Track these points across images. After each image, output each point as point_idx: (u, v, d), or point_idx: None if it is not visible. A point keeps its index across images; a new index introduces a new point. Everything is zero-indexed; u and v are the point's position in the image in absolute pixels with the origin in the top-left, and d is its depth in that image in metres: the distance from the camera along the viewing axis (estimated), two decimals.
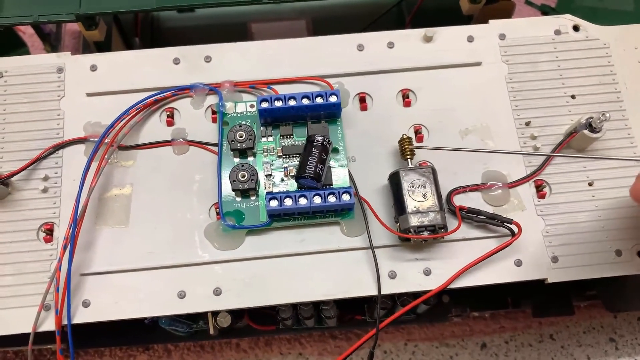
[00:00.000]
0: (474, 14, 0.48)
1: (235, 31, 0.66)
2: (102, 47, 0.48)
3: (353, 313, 0.45)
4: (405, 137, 0.38)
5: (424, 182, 0.36)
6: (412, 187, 0.35)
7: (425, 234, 0.35)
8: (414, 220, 0.35)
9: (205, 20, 0.67)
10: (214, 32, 0.66)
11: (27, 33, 0.66)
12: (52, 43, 0.61)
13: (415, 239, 0.35)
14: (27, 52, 0.60)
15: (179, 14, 0.67)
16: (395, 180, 0.36)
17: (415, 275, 0.36)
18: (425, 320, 0.48)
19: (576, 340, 0.56)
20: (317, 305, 0.41)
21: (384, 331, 0.55)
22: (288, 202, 0.36)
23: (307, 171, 0.36)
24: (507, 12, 0.48)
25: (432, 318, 0.47)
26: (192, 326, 0.44)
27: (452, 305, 0.46)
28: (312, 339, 0.54)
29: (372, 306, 0.44)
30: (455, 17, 0.51)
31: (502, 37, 0.43)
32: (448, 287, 0.36)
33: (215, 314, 0.40)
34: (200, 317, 0.44)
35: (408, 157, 0.37)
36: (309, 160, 0.36)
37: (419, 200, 0.35)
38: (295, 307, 0.41)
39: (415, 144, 0.39)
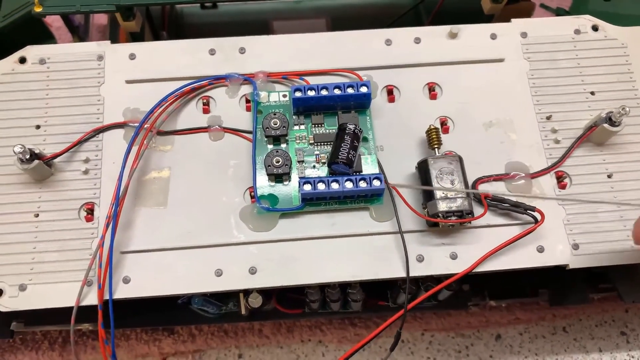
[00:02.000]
0: (495, 13, 0.50)
1: (257, 28, 0.68)
2: (137, 38, 0.50)
3: (376, 299, 0.47)
4: (432, 127, 0.40)
5: (452, 169, 0.37)
6: (440, 174, 0.37)
7: (453, 219, 0.37)
8: (443, 206, 0.36)
9: (227, 17, 0.69)
10: (236, 29, 0.68)
11: (54, 26, 0.67)
12: (80, 35, 0.63)
13: (444, 224, 0.37)
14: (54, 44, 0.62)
15: (202, 10, 0.68)
16: (423, 168, 0.38)
17: (442, 259, 0.38)
18: (446, 307, 0.49)
19: (588, 333, 0.58)
20: (344, 289, 0.43)
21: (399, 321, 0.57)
22: (321, 187, 0.37)
23: (339, 157, 0.37)
24: (527, 12, 0.50)
25: (452, 305, 0.49)
26: (222, 308, 0.45)
27: (471, 294, 0.48)
28: (332, 327, 0.55)
29: (395, 292, 0.46)
30: (472, 19, 0.53)
31: (524, 35, 0.44)
32: (473, 271, 0.38)
33: (247, 294, 0.41)
34: (231, 298, 0.45)
35: (435, 146, 0.39)
36: (342, 147, 0.38)
37: (447, 187, 0.37)
38: (323, 290, 0.43)
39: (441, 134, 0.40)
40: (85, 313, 0.47)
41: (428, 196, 0.37)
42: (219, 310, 0.45)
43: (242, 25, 0.68)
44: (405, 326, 0.57)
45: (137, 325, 0.50)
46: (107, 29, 0.67)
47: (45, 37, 0.62)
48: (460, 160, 0.38)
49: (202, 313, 0.46)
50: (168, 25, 0.64)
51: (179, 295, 0.39)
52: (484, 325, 0.57)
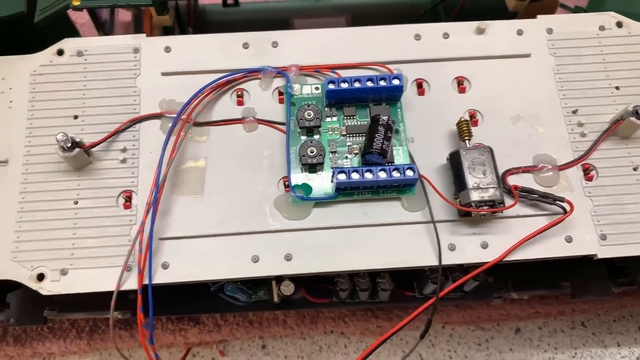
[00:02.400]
0: (519, 10, 0.51)
1: (278, 26, 0.69)
2: (168, 33, 0.51)
3: (403, 289, 0.47)
4: (463, 119, 0.40)
5: (483, 160, 0.38)
6: (473, 164, 0.38)
7: (485, 208, 0.37)
8: (475, 195, 0.37)
9: (248, 14, 0.70)
10: (257, 26, 0.69)
11: (78, 22, 0.69)
12: (105, 32, 0.64)
13: (476, 213, 0.38)
14: None
15: (224, 7, 0.69)
16: (455, 159, 0.39)
17: (473, 247, 0.39)
18: (471, 298, 0.50)
19: (607, 328, 0.58)
20: (373, 279, 0.44)
21: (423, 313, 0.57)
22: (355, 176, 0.38)
23: (374, 147, 0.38)
24: (550, 9, 0.50)
25: (477, 296, 0.49)
26: (252, 296, 0.46)
27: (495, 285, 0.48)
28: (355, 318, 0.56)
29: (422, 283, 0.46)
30: (493, 17, 0.53)
31: (550, 31, 0.45)
32: (503, 260, 0.38)
33: (279, 282, 0.42)
34: (261, 287, 0.46)
35: (466, 138, 0.40)
36: (376, 137, 0.38)
37: (479, 177, 0.38)
38: (352, 279, 0.43)
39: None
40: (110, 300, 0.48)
41: (460, 186, 0.38)
42: (249, 299, 0.46)
43: (263, 23, 0.69)
44: (426, 319, 0.58)
45: (168, 314, 0.51)
46: (131, 26, 0.69)
47: (71, 32, 0.63)
48: (491, 151, 0.39)
49: (233, 301, 0.47)
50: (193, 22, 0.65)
51: (216, 281, 0.39)
52: (504, 319, 0.58)
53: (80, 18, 0.68)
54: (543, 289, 0.49)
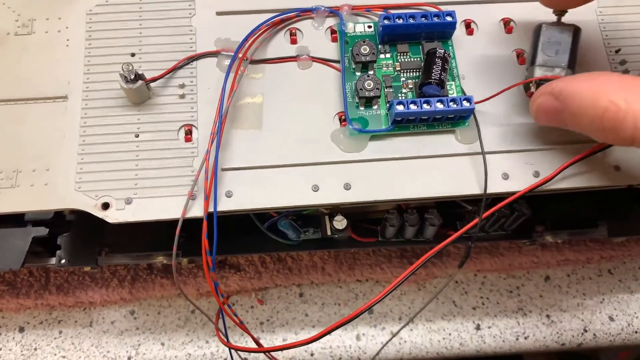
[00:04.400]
0: None
1: None
2: None
3: (446, 229, 0.49)
4: None
5: (560, 39, 0.38)
6: (549, 41, 0.38)
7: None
8: (539, 72, 0.38)
9: None
10: None
11: None
12: None
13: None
14: None
15: None
16: (536, 33, 0.39)
17: (525, 176, 0.40)
18: (513, 237, 0.51)
19: (632, 275, 0.60)
20: (421, 215, 0.45)
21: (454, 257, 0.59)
22: (413, 107, 0.39)
23: (432, 77, 0.39)
24: None
25: (519, 236, 0.51)
26: (300, 235, 0.47)
27: (535, 223, 0.50)
28: (392, 265, 0.57)
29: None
30: None
31: None
32: (551, 186, 0.40)
33: (331, 217, 0.43)
34: (310, 225, 0.47)
35: (559, 13, 0.40)
36: (433, 69, 0.40)
37: (550, 56, 0.38)
38: (401, 215, 0.45)
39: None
40: (158, 243, 0.50)
41: (531, 61, 0.39)
42: (297, 237, 0.47)
43: None
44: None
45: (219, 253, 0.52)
46: None
47: None
48: (576, 31, 0.39)
49: (281, 240, 0.48)
50: None
51: (279, 209, 0.40)
52: (534, 267, 0.60)
53: None
54: (580, 227, 0.51)
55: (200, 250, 0.37)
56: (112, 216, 0.39)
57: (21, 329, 0.55)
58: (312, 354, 0.55)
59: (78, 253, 0.48)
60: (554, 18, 0.41)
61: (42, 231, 0.45)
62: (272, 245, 0.48)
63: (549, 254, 0.59)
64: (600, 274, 0.60)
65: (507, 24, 0.45)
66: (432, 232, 0.46)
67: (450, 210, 0.48)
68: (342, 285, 0.59)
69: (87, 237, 0.49)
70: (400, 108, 0.39)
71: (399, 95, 0.42)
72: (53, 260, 0.49)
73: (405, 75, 0.42)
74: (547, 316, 0.58)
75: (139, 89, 0.40)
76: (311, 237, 0.48)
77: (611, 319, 0.58)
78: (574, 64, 0.39)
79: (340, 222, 0.43)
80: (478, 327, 0.57)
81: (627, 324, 0.57)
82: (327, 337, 0.56)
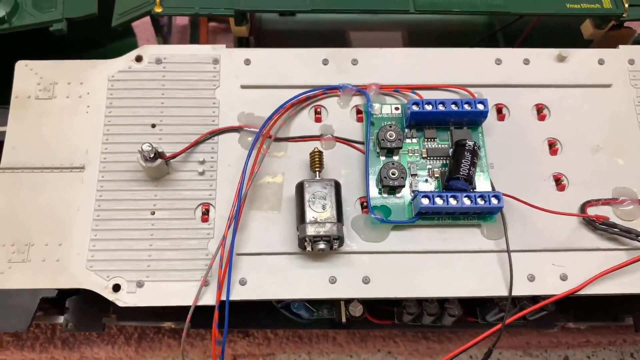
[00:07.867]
0: (594, 38, 0.50)
1: (333, 38, 0.68)
2: (241, 43, 0.50)
3: (465, 315, 0.47)
4: (317, 150, 0.39)
5: (325, 194, 0.37)
6: (314, 198, 0.37)
7: (322, 244, 0.36)
8: (311, 230, 0.36)
9: (303, 25, 0.69)
10: (311, 37, 0.68)
11: (134, 24, 0.68)
12: (164, 36, 0.64)
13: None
14: (135, 42, 0.63)
15: (280, 17, 0.69)
16: (299, 190, 0.38)
17: (552, 279, 0.38)
18: (533, 327, 0.49)
19: None
20: (441, 304, 0.43)
21: (472, 336, 0.57)
22: (439, 201, 0.38)
23: (460, 173, 0.38)
24: (627, 39, 0.50)
25: (539, 325, 0.49)
26: (314, 314, 0.46)
27: (557, 315, 0.48)
28: (405, 339, 0.56)
29: (486, 309, 0.46)
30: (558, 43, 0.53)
31: (632, 62, 0.45)
32: (580, 293, 0.38)
33: (347, 303, 0.42)
34: (324, 305, 0.45)
35: (317, 169, 0.39)
36: (462, 163, 0.38)
37: (318, 212, 0.37)
38: (421, 303, 0.43)
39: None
40: (167, 312, 0.48)
41: (300, 219, 0.37)
42: (311, 316, 0.46)
43: (318, 34, 0.69)
44: None
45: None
46: (187, 30, 0.68)
47: (128, 34, 0.63)
48: (336, 185, 0.38)
49: (294, 317, 0.46)
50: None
51: (293, 300, 0.39)
52: (554, 346, 0.58)
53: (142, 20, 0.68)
54: (604, 320, 0.49)
55: (211, 321, 0.36)
56: (122, 300, 0.37)
57: None
58: None
59: (85, 317, 0.47)
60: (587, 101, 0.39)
61: (51, 292, 0.44)
62: (284, 322, 0.47)
63: (570, 335, 0.57)
64: (622, 357, 0.58)
65: (540, 110, 0.43)
66: (451, 321, 0.44)
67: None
68: (353, 355, 0.57)
69: (95, 301, 0.47)
70: (425, 202, 0.38)
71: (425, 182, 0.40)
72: (60, 319, 0.48)
73: (431, 162, 0.41)
74: None
75: (158, 167, 0.39)
76: (325, 317, 0.46)
77: None
78: (340, 214, 0.37)
79: (356, 309, 0.41)
80: None
81: None
82: None
